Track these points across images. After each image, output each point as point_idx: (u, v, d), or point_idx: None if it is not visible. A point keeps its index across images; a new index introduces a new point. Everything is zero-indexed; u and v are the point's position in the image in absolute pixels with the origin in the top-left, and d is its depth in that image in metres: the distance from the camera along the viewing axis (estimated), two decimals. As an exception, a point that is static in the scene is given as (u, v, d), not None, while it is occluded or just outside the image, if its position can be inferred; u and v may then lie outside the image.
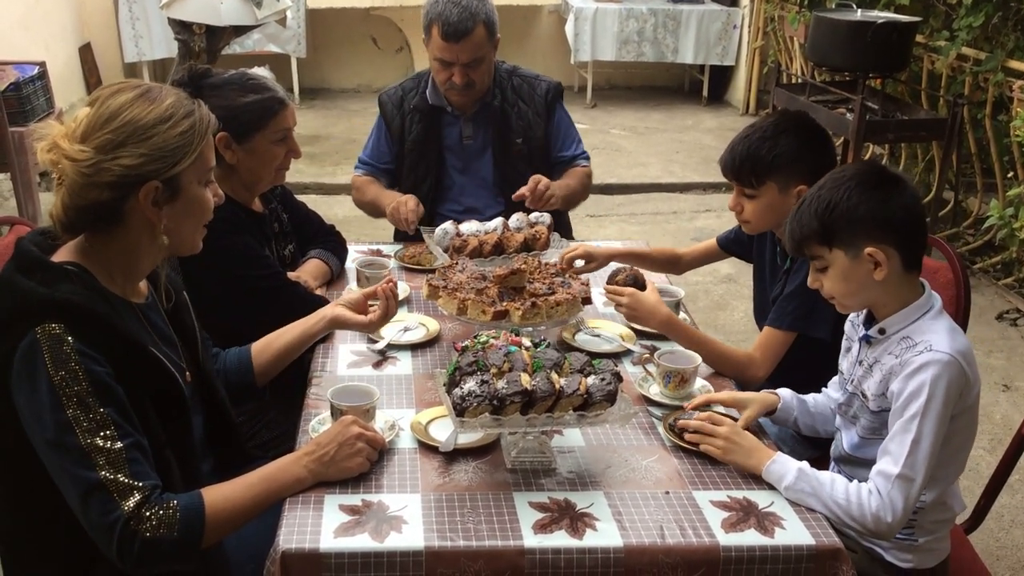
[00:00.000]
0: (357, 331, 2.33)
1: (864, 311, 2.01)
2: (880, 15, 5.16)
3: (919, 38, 5.44)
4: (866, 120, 4.91)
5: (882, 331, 1.93)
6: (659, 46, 8.45)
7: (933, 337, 1.85)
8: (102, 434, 1.62)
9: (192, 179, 1.76)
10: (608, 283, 2.50)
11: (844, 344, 2.10)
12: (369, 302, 2.28)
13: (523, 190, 2.94)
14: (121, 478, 1.62)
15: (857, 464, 2.02)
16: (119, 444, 1.63)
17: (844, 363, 2.07)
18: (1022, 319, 4.74)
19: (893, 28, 4.93)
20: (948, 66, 5.35)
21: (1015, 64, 4.88)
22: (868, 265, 1.86)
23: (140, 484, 1.63)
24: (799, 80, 6.50)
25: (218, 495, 1.73)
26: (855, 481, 1.85)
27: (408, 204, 3.02)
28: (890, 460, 1.82)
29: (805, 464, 1.86)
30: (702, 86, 8.77)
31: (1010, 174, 5.07)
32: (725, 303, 4.89)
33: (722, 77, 8.76)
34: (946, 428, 1.84)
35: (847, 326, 2.08)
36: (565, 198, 3.14)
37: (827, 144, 2.37)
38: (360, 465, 1.84)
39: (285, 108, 2.49)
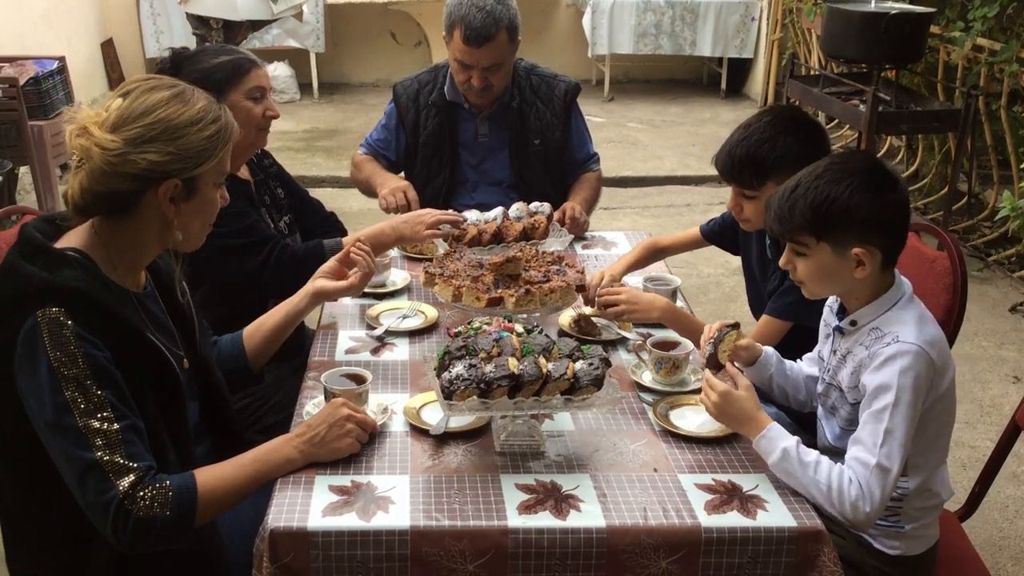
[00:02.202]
0: (342, 296, 2.40)
1: (839, 300, 2.01)
2: (894, 6, 5.13)
3: (934, 29, 5.41)
4: (878, 111, 4.89)
5: (853, 323, 1.93)
6: (677, 39, 8.43)
7: (901, 328, 1.85)
8: (99, 416, 1.66)
9: (209, 181, 1.82)
10: (598, 297, 2.45)
11: (823, 330, 2.10)
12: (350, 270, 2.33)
13: (559, 216, 2.95)
14: (117, 459, 1.66)
15: (842, 456, 2.03)
16: (116, 426, 1.67)
17: (824, 348, 2.08)
18: (1036, 311, 4.71)
19: (907, 19, 4.91)
20: (963, 57, 5.32)
21: (1030, 55, 4.85)
22: (851, 263, 1.86)
23: (135, 465, 1.68)
24: (815, 72, 6.48)
25: (210, 476, 1.77)
26: (839, 466, 1.85)
27: (409, 194, 3.05)
28: (864, 450, 1.82)
29: (793, 443, 1.83)
30: (720, 79, 8.75)
31: (1022, 165, 5.03)
32: (736, 295, 4.89)
33: (741, 70, 8.73)
34: (918, 418, 1.84)
35: (825, 311, 2.09)
36: (589, 214, 3.23)
37: (823, 138, 2.35)
38: (350, 446, 1.87)
39: (258, 68, 2.52)
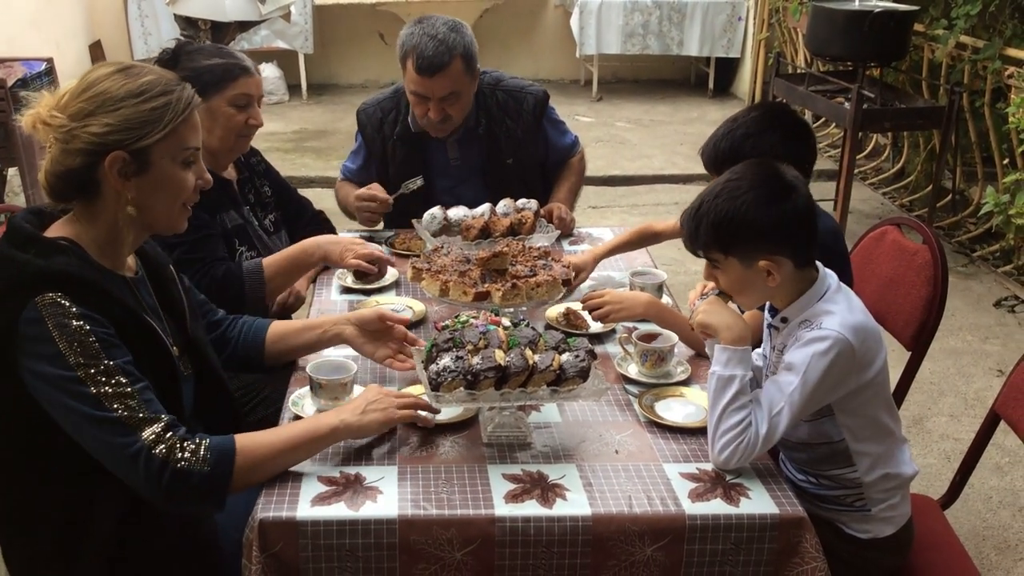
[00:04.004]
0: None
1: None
2: (878, 4, 5.18)
3: (918, 27, 5.46)
4: (863, 109, 4.93)
5: (784, 319, 1.97)
6: (664, 39, 8.48)
7: (826, 317, 1.88)
8: (113, 381, 1.68)
9: (164, 155, 1.80)
10: (583, 302, 2.48)
11: (764, 325, 2.13)
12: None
13: (545, 214, 2.95)
14: (139, 414, 1.69)
15: (791, 448, 2.08)
16: (131, 388, 1.70)
17: (765, 345, 2.10)
18: (1020, 306, 4.76)
19: (891, 17, 4.96)
20: (947, 55, 5.37)
21: (1013, 52, 4.89)
22: (761, 274, 1.89)
23: (159, 415, 1.71)
24: (801, 71, 6.53)
25: (248, 437, 1.81)
26: (746, 422, 1.86)
27: (379, 196, 3.01)
28: (760, 412, 1.87)
29: (740, 375, 1.87)
30: (708, 78, 8.80)
31: (1006, 161, 5.08)
32: (723, 292, 4.92)
33: (728, 69, 8.78)
34: (819, 402, 1.90)
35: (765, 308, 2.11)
36: (575, 202, 3.21)
37: (809, 137, 2.36)
38: (388, 416, 1.90)
39: (248, 76, 2.53)
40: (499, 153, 3.16)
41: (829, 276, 1.97)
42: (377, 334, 2.19)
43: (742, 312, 2.33)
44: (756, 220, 1.86)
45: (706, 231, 1.90)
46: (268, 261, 2.55)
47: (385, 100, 3.20)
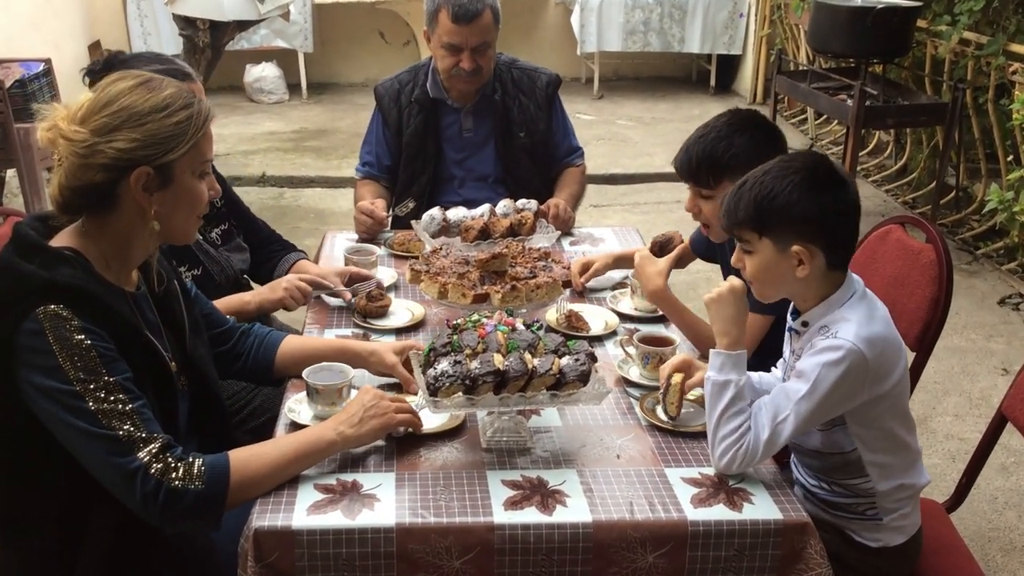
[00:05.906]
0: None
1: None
2: (880, 0, 5.14)
3: (921, 23, 5.43)
4: (866, 106, 4.90)
5: (805, 323, 1.94)
6: (665, 36, 8.44)
7: (843, 325, 1.85)
8: (112, 398, 1.67)
9: (185, 169, 1.79)
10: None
11: (786, 332, 2.10)
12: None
13: (545, 209, 2.94)
14: (137, 433, 1.68)
15: (803, 454, 2.06)
16: (130, 406, 1.68)
17: (786, 350, 2.08)
18: (1024, 303, 4.73)
19: (893, 13, 4.93)
20: (950, 51, 5.34)
21: (1016, 47, 4.86)
22: (792, 261, 1.86)
23: (156, 435, 1.69)
24: (803, 67, 6.49)
25: (243, 453, 1.79)
26: (744, 427, 1.84)
27: (375, 216, 3.00)
28: (765, 417, 1.85)
29: (735, 380, 1.86)
30: (709, 76, 8.76)
31: (1010, 158, 5.05)
32: (726, 290, 4.89)
33: (729, 66, 8.74)
34: (828, 413, 1.86)
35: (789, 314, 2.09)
36: (575, 210, 3.23)
37: (780, 141, 2.36)
38: (386, 421, 1.88)
39: (190, 81, 2.44)
40: (511, 125, 3.24)
41: (856, 283, 1.93)
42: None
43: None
44: (798, 202, 1.83)
45: (746, 206, 1.88)
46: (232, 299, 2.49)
47: (403, 74, 3.32)
